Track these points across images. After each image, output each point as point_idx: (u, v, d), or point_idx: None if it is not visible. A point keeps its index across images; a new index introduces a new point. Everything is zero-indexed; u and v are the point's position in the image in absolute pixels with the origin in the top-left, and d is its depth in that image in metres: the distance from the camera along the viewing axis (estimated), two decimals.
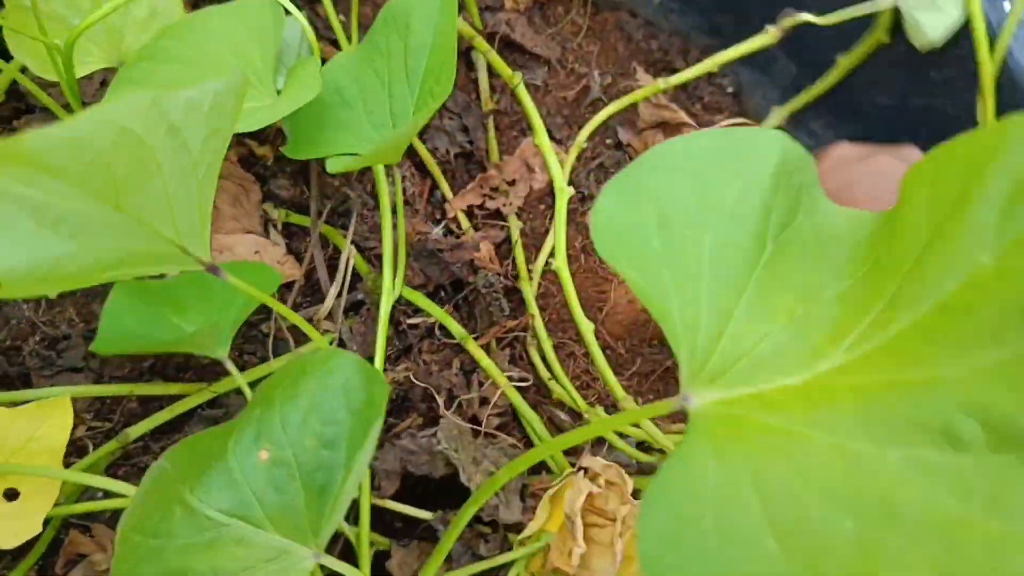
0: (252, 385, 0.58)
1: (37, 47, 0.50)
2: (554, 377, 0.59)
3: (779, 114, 0.68)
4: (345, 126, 0.56)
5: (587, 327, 0.57)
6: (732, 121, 0.69)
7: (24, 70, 0.55)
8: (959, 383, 0.24)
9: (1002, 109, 0.55)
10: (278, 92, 0.56)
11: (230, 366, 0.51)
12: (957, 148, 0.27)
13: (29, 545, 0.50)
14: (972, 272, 0.25)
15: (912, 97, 0.62)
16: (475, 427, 0.55)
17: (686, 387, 0.30)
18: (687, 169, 0.34)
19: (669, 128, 0.68)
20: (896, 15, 0.59)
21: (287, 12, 0.55)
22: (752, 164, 0.34)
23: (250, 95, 0.54)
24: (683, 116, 0.66)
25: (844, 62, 0.63)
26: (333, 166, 0.48)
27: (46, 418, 0.49)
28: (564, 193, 0.59)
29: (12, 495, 0.48)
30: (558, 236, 0.58)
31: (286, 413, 0.37)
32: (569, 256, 0.65)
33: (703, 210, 0.33)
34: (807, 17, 0.60)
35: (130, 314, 0.53)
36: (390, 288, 0.56)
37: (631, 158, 0.70)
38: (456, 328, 0.57)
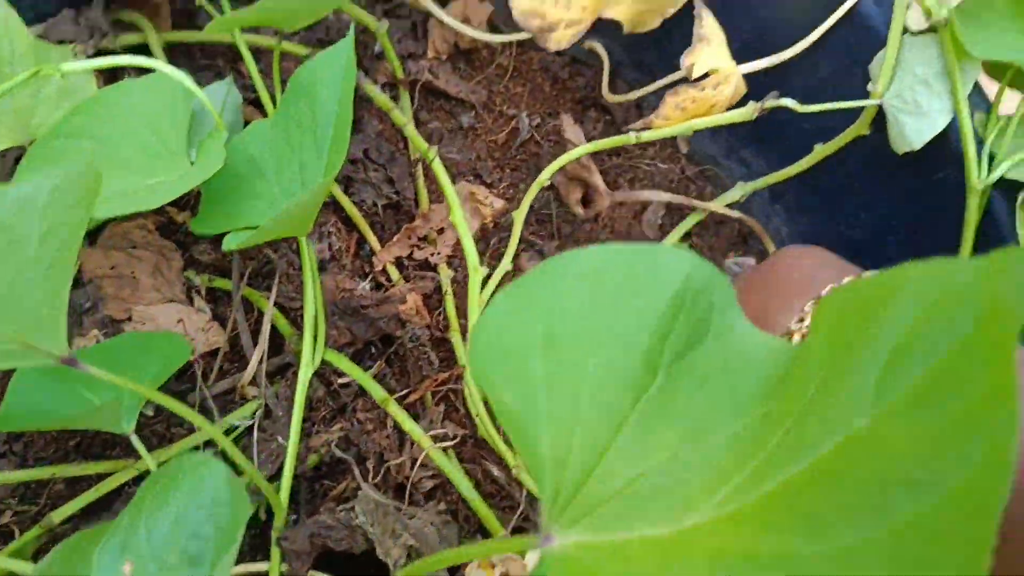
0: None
1: None
2: (487, 432, 0.58)
3: (742, 190, 0.67)
4: (259, 196, 0.55)
5: None
6: (666, 200, 0.68)
7: None
8: (814, 563, 0.21)
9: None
10: (192, 163, 0.55)
11: (137, 443, 0.50)
12: (861, 288, 0.25)
13: None
14: (848, 435, 0.22)
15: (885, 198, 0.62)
16: (401, 494, 0.54)
17: (546, 526, 0.27)
18: (583, 285, 0.31)
19: (588, 186, 0.68)
20: (880, 114, 0.58)
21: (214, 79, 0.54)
22: (651, 285, 0.31)
23: (162, 168, 0.54)
24: (597, 181, 0.66)
25: (821, 149, 0.62)
26: (228, 243, 0.47)
27: None
28: (478, 273, 0.58)
29: None
30: (471, 311, 0.57)
31: (152, 523, 0.35)
32: None
33: (593, 331, 0.30)
34: (790, 104, 0.58)
35: (38, 389, 0.52)
36: (309, 359, 0.55)
37: (560, 200, 0.69)
38: (377, 391, 0.56)
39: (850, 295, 0.25)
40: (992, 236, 0.55)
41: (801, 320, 0.45)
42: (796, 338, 0.44)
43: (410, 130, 0.65)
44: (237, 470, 0.59)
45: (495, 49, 0.72)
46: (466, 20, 0.67)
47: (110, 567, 0.33)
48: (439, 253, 0.64)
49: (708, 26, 0.57)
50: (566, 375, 0.29)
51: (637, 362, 0.30)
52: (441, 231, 0.65)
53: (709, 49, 0.56)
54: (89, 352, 0.53)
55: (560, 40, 0.56)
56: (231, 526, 0.35)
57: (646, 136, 0.59)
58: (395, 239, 0.64)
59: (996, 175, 0.52)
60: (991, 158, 0.53)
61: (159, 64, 0.49)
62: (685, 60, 0.55)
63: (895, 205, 0.61)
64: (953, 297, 0.21)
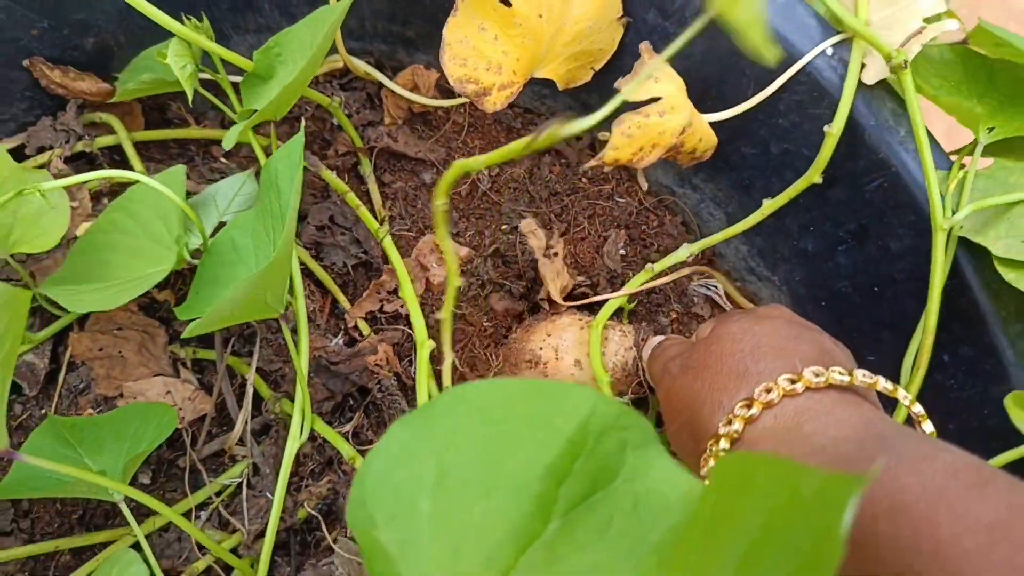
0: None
1: None
2: None
3: (688, 250, 0.69)
4: (239, 281, 0.59)
5: None
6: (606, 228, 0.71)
7: None
8: None
9: None
10: (191, 252, 0.59)
11: (126, 511, 0.53)
12: (736, 464, 0.24)
13: None
14: None
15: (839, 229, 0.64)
16: None
17: None
18: (479, 421, 0.29)
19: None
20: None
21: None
22: (547, 425, 0.29)
23: (155, 260, 0.58)
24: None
25: (769, 204, 0.63)
26: (187, 331, 0.50)
27: None
28: (425, 347, 0.60)
29: None
30: (420, 388, 0.59)
31: None
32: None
33: (486, 471, 0.28)
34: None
35: (47, 455, 0.56)
36: (297, 432, 0.58)
37: (525, 242, 0.72)
38: (346, 449, 0.59)
39: (731, 467, 0.24)
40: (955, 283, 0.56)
41: (729, 422, 0.43)
42: (723, 443, 0.44)
43: (363, 212, 0.69)
44: (231, 529, 0.62)
45: (449, 108, 0.76)
46: (415, 88, 0.71)
47: None
48: (404, 305, 0.67)
49: (652, 64, 0.59)
50: (453, 518, 0.28)
51: (527, 508, 0.28)
52: (411, 282, 0.68)
53: (655, 83, 0.58)
54: (83, 426, 0.57)
55: (496, 102, 0.59)
56: None
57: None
58: (365, 295, 0.67)
59: (961, 215, 0.53)
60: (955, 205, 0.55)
61: (142, 178, 0.54)
62: (619, 83, 0.57)
63: (851, 237, 0.63)
64: (798, 508, 0.21)
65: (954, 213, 0.54)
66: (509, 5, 0.56)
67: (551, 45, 0.61)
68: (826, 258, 0.65)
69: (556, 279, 0.69)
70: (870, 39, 0.54)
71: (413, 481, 0.28)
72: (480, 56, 0.56)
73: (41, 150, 0.67)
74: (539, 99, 0.75)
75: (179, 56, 0.57)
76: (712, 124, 0.59)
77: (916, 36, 0.53)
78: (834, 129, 0.55)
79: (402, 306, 0.68)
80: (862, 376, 0.43)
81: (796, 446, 0.40)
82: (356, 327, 0.67)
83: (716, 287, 0.75)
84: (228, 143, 0.57)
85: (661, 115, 0.55)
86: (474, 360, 0.71)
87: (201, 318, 0.49)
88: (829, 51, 0.56)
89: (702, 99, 0.60)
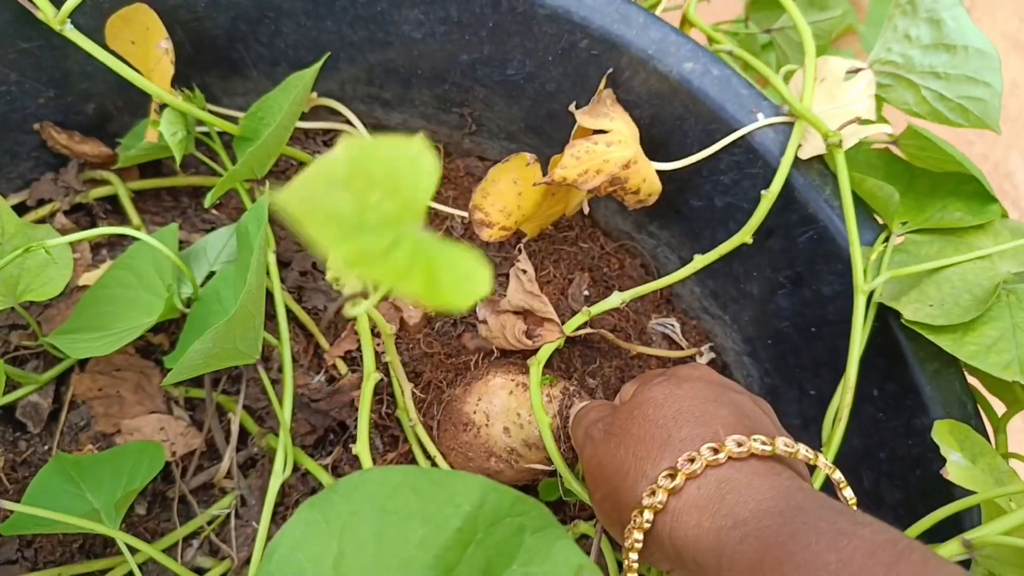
0: (174, 547, 0.66)
1: None
2: None
3: (620, 298, 0.72)
4: None
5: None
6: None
7: None
8: None
9: None
10: (184, 301, 0.64)
11: (121, 543, 0.58)
12: None
13: None
14: None
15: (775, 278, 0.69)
16: None
17: None
18: (375, 507, 0.30)
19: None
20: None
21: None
22: (438, 513, 0.30)
23: (149, 310, 0.63)
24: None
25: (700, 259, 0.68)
26: (167, 380, 0.55)
27: None
28: (372, 378, 0.64)
29: None
30: (360, 425, 0.63)
31: None
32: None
33: (380, 557, 0.30)
34: None
35: (51, 492, 0.61)
36: (280, 469, 0.63)
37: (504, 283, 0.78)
38: (327, 480, 0.64)
39: None
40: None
41: (653, 493, 0.43)
42: (647, 514, 0.43)
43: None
44: (221, 556, 0.67)
45: None
46: None
47: None
48: (382, 344, 0.72)
49: (611, 106, 0.65)
50: None
51: None
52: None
53: (607, 119, 0.64)
54: (84, 463, 0.62)
55: (490, 236, 0.66)
56: None
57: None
58: (343, 335, 0.73)
59: (879, 281, 0.59)
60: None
61: (141, 235, 0.59)
62: (574, 108, 0.63)
63: (789, 282, 0.69)
64: None
65: (875, 277, 0.60)
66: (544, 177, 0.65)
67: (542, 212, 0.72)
68: (768, 301, 0.71)
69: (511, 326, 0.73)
70: (812, 120, 0.60)
71: (314, 562, 0.30)
72: (505, 200, 0.65)
73: (40, 203, 0.73)
74: (504, 152, 0.81)
75: (171, 124, 0.63)
76: (662, 176, 0.65)
77: (850, 124, 0.60)
78: (770, 193, 0.61)
79: (378, 345, 0.73)
80: (783, 445, 0.43)
81: (719, 518, 0.40)
82: (335, 366, 0.72)
83: (673, 325, 0.81)
84: (209, 201, 0.62)
85: (608, 145, 0.62)
86: (441, 396, 0.76)
87: (174, 368, 0.54)
88: (760, 117, 0.62)
89: (650, 154, 0.65)
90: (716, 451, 0.43)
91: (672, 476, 0.43)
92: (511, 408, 0.66)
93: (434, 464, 0.67)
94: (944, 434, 0.55)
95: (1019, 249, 0.59)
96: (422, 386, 0.73)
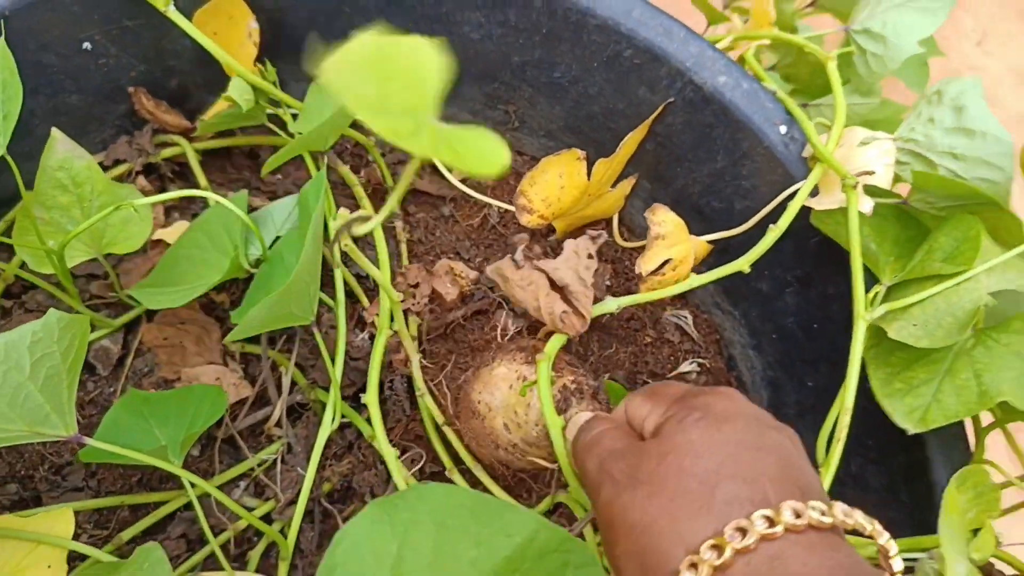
0: (223, 486, 0.72)
1: (35, 248, 0.66)
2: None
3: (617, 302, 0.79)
4: None
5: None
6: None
7: (23, 265, 0.70)
8: None
9: None
10: (252, 262, 0.71)
11: (183, 477, 0.64)
12: None
13: None
14: None
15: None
16: None
17: None
18: (432, 521, 0.33)
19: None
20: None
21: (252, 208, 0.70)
22: (492, 537, 0.33)
23: (218, 269, 0.69)
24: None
25: None
26: (229, 338, 0.62)
27: (52, 526, 0.62)
28: (384, 333, 0.71)
29: None
30: (371, 379, 0.69)
31: None
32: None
33: (433, 567, 0.32)
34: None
35: (122, 427, 0.67)
36: (328, 420, 0.69)
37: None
38: (367, 429, 0.71)
39: None
40: None
41: (693, 566, 0.38)
42: None
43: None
44: (265, 497, 0.74)
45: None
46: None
47: None
48: (417, 302, 0.79)
49: (662, 223, 0.70)
50: None
51: None
52: (416, 285, 0.80)
53: (664, 244, 0.70)
54: (154, 400, 0.68)
55: (529, 222, 0.73)
56: None
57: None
58: (372, 305, 0.79)
59: (879, 312, 0.63)
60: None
61: (216, 196, 0.66)
62: (639, 267, 0.69)
63: (797, 281, 0.76)
64: None
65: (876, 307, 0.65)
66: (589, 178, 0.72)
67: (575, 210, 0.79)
68: (777, 298, 0.78)
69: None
70: (832, 163, 0.65)
71: (376, 558, 0.33)
72: (548, 190, 0.72)
73: (116, 163, 0.80)
74: (542, 149, 0.88)
75: (241, 90, 0.69)
76: (687, 178, 0.72)
77: (864, 174, 0.66)
78: (777, 228, 0.67)
79: (412, 305, 0.79)
80: (842, 515, 0.40)
81: None
82: (374, 324, 0.78)
83: (686, 317, 0.87)
84: (266, 169, 0.68)
85: (674, 270, 0.71)
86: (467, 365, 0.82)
87: (237, 326, 0.61)
88: (783, 129, 0.69)
89: (679, 162, 0.73)
90: (771, 523, 0.38)
91: (718, 549, 0.38)
92: (510, 404, 0.64)
93: (442, 435, 0.73)
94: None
95: (1002, 266, 0.65)
96: (440, 359, 0.80)
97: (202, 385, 0.71)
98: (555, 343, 0.64)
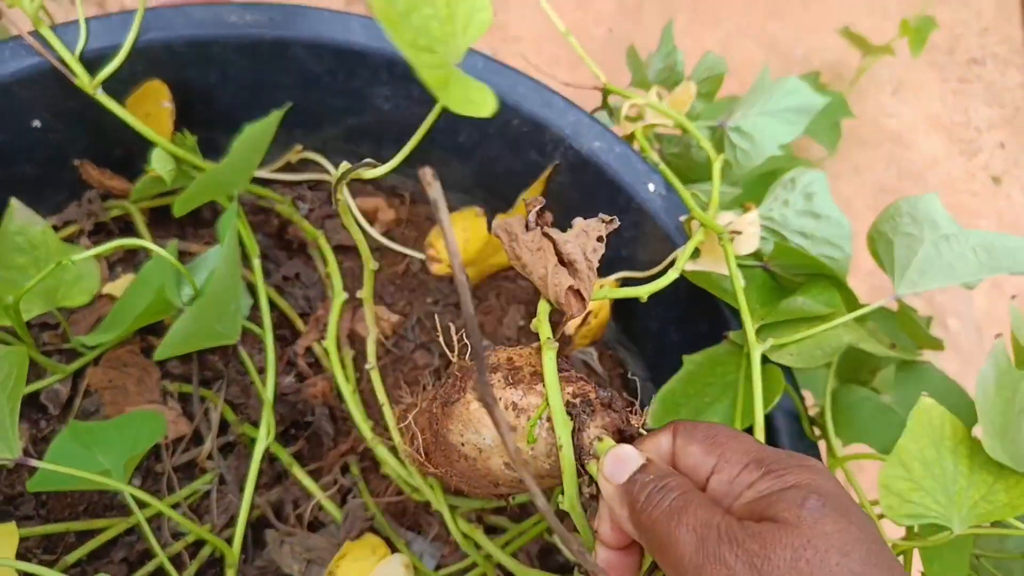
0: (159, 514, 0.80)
1: None
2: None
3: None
4: None
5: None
6: None
7: None
8: None
9: None
10: (188, 300, 0.80)
11: (129, 499, 0.72)
12: None
13: None
14: None
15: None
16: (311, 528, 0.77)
17: None
18: None
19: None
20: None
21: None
22: None
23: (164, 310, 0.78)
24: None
25: None
26: (158, 353, 0.70)
27: None
28: (339, 297, 0.80)
29: None
30: (330, 330, 0.78)
31: None
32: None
33: None
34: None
35: (67, 456, 0.74)
36: (260, 453, 0.77)
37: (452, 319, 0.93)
38: (285, 456, 0.79)
39: None
40: None
41: None
42: None
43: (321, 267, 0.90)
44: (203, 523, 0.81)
45: (390, 208, 0.98)
46: (375, 213, 0.94)
47: None
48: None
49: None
50: None
51: None
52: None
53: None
54: (95, 430, 0.75)
55: (439, 270, 0.83)
56: None
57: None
58: (307, 330, 0.88)
59: (766, 346, 0.71)
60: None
61: (146, 244, 0.74)
62: (568, 327, 0.79)
63: (678, 321, 0.85)
64: None
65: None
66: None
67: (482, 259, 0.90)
68: (664, 335, 0.87)
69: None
70: (709, 223, 0.74)
71: None
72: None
73: (67, 223, 0.89)
74: (461, 202, 0.97)
75: (162, 160, 0.79)
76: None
77: (731, 227, 0.76)
78: (667, 277, 0.76)
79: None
80: None
81: None
82: (305, 354, 0.87)
83: (592, 353, 0.96)
84: (176, 211, 0.75)
85: (595, 316, 0.82)
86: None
87: (164, 341, 0.69)
88: (651, 187, 0.78)
89: (572, 214, 0.82)
90: None
91: None
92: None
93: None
94: None
95: (851, 323, 0.75)
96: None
97: (141, 411, 0.79)
98: (544, 316, 0.57)
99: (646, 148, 0.84)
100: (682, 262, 0.75)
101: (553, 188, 0.85)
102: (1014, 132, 1.69)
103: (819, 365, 0.72)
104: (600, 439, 0.50)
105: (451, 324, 0.81)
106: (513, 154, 0.84)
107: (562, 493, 0.51)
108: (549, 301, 0.57)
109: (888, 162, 1.58)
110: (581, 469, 0.50)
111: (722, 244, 0.75)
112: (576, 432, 0.50)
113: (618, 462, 0.47)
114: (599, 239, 0.58)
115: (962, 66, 1.76)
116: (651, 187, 0.78)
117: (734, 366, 0.75)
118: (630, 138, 0.88)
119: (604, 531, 0.48)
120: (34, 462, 0.65)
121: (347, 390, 0.81)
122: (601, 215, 0.60)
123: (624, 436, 0.51)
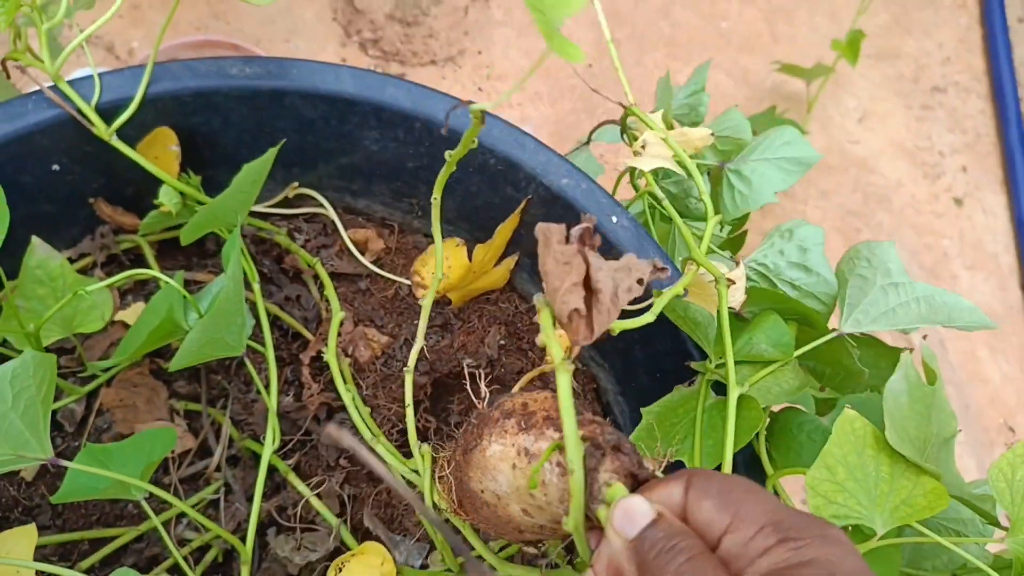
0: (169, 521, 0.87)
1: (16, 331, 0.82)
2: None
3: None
4: None
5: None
6: None
7: (5, 343, 0.86)
8: None
9: None
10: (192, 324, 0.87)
11: (145, 507, 0.79)
12: None
13: None
14: None
15: None
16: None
17: None
18: None
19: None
20: None
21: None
22: None
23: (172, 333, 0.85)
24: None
25: None
26: (172, 364, 0.78)
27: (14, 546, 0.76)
28: (338, 315, 0.88)
29: None
30: (330, 342, 0.86)
31: None
32: None
33: None
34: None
35: (84, 475, 0.82)
36: (266, 463, 0.85)
37: (452, 344, 1.01)
38: (295, 480, 0.86)
39: None
40: None
41: None
42: None
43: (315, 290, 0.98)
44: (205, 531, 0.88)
45: (380, 239, 1.06)
46: (365, 243, 1.02)
47: None
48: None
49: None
50: None
51: None
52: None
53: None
54: (110, 451, 0.83)
55: (423, 295, 0.90)
56: None
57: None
58: (311, 344, 0.95)
59: (744, 389, 0.78)
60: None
61: (153, 273, 0.82)
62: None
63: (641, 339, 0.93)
64: None
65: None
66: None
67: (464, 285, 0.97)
68: (630, 353, 0.94)
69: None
70: (708, 266, 0.79)
71: None
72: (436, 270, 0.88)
73: (81, 256, 0.97)
74: (445, 232, 1.05)
75: (168, 195, 0.87)
76: None
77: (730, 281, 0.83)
78: (652, 312, 0.84)
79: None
80: None
81: None
82: (309, 365, 0.94)
83: None
84: (183, 240, 0.84)
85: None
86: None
87: (178, 353, 0.76)
88: (614, 219, 0.86)
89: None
90: None
91: None
92: (521, 487, 0.53)
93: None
94: None
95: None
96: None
97: (152, 428, 0.86)
98: (550, 331, 0.54)
99: (652, 184, 0.90)
100: (659, 305, 0.82)
101: (528, 220, 0.93)
102: (975, 157, 1.78)
103: (780, 403, 0.78)
104: (609, 484, 0.49)
105: (479, 371, 0.89)
106: (491, 190, 0.92)
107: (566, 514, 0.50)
108: (553, 317, 0.54)
109: (854, 186, 1.67)
110: (590, 515, 0.49)
111: (718, 290, 0.81)
112: (586, 477, 0.49)
113: (628, 516, 0.45)
114: (639, 281, 0.55)
115: (925, 94, 1.85)
116: (614, 219, 0.86)
117: (694, 404, 0.80)
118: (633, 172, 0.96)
119: (599, 570, 0.48)
120: (64, 462, 0.72)
121: (347, 397, 0.88)
122: (655, 260, 0.57)
123: (636, 480, 0.50)
